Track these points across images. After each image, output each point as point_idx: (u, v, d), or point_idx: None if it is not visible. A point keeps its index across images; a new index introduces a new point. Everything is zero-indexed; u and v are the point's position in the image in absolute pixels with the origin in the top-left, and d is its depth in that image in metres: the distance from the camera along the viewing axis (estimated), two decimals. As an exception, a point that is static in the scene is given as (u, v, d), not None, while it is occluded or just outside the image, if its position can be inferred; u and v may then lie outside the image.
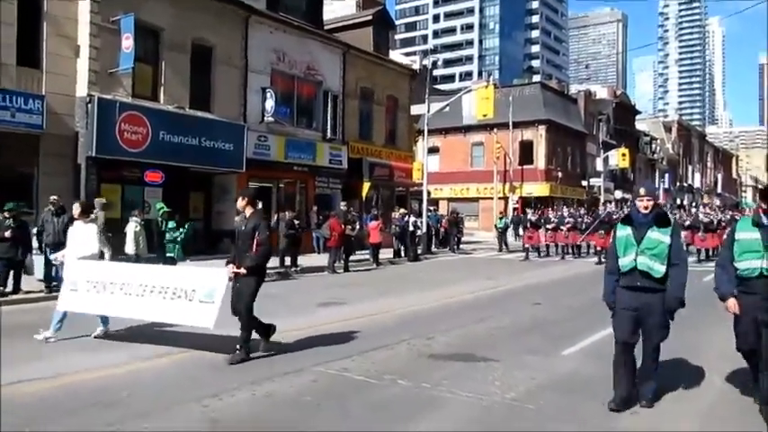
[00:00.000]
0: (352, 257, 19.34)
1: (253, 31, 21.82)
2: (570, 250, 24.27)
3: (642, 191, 5.36)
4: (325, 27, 26.64)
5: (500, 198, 38.80)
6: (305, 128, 24.37)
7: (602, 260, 20.68)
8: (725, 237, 6.11)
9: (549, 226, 24.04)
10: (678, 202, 61.55)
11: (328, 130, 24.84)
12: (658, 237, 5.12)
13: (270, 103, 22.02)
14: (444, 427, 4.93)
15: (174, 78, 19.02)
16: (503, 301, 11.16)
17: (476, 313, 10.55)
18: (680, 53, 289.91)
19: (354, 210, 23.57)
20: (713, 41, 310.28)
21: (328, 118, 24.86)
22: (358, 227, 20.32)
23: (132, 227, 13.75)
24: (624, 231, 5.28)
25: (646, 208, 5.23)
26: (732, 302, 5.11)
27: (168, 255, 14.41)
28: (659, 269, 5.08)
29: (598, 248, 21.09)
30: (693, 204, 48.86)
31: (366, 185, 26.57)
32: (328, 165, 25.02)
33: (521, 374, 6.41)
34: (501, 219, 28.11)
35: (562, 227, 23.59)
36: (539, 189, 42.13)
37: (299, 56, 23.74)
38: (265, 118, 22.00)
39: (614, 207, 28.74)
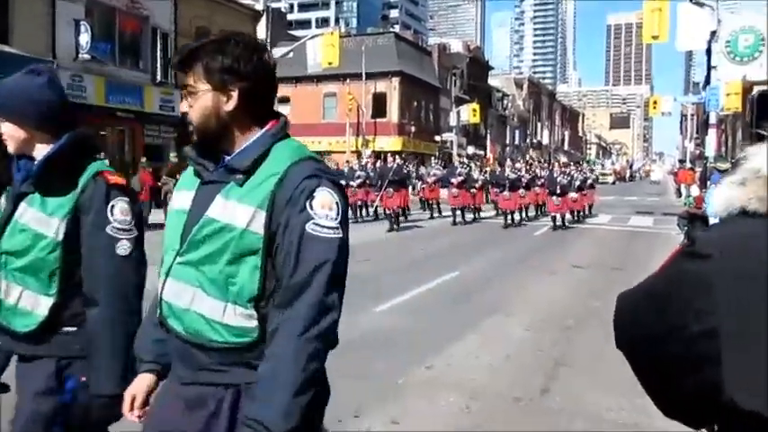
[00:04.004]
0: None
1: (61, -47, 18.95)
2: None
3: None
4: (155, -44, 23.91)
5: (352, 152, 38.04)
6: (129, 68, 21.91)
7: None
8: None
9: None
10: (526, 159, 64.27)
11: (158, 73, 22.54)
12: (32, 220, 2.07)
13: (85, 38, 19.45)
14: None
15: (-45, 2, 16.08)
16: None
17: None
18: (535, 11, 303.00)
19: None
20: (566, 1, 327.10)
21: (158, 59, 22.52)
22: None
23: None
24: None
25: None
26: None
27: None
28: (30, 307, 2.05)
29: None
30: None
31: (203, 135, 24.63)
32: (159, 111, 22.78)
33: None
34: None
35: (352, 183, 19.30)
36: (391, 143, 41.75)
37: (120, -14, 21.11)
38: (80, 55, 19.44)
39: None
